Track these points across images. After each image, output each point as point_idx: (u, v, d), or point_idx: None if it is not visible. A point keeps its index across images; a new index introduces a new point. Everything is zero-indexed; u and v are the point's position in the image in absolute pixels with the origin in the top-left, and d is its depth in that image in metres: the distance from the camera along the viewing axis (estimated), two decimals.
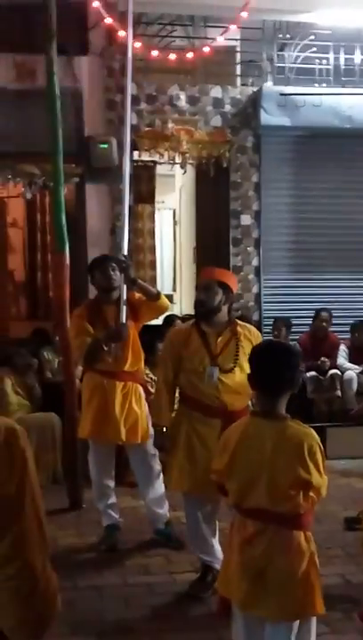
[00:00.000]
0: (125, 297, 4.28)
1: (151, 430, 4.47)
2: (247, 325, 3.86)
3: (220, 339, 3.69)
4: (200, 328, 3.72)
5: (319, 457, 2.51)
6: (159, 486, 4.45)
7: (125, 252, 4.44)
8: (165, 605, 3.67)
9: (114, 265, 4.33)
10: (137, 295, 4.40)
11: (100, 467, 4.47)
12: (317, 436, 2.55)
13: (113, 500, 4.52)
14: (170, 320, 6.96)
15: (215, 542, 3.79)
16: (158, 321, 7.21)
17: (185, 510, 3.89)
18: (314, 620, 2.57)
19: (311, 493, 2.50)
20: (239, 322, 3.84)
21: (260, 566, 2.48)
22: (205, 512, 3.78)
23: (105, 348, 4.18)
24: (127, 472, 5.07)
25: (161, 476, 4.43)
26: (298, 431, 2.52)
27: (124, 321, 4.25)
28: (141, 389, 4.47)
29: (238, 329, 3.72)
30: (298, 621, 2.52)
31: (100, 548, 4.37)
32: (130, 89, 4.76)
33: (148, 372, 5.89)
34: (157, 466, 4.46)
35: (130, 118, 4.85)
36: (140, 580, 3.96)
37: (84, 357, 4.31)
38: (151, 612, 3.62)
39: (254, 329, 3.88)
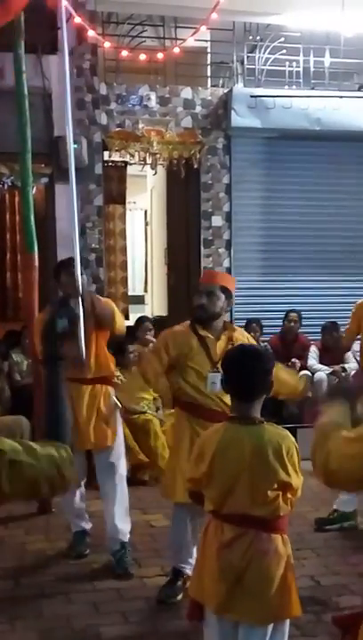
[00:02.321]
0: (82, 331, 4.03)
1: (122, 447, 4.39)
2: (238, 329, 3.83)
3: (218, 344, 3.62)
4: (198, 332, 3.63)
5: (296, 458, 2.53)
6: (125, 497, 4.27)
7: (80, 281, 4.13)
8: (134, 611, 3.63)
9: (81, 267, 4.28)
10: (103, 300, 4.33)
11: None
12: (292, 437, 2.56)
13: (82, 506, 4.46)
14: (141, 321, 6.94)
15: (194, 550, 3.72)
16: (129, 322, 7.20)
17: (174, 520, 3.73)
18: (287, 622, 2.57)
19: (289, 495, 2.51)
20: (231, 325, 3.81)
21: (238, 571, 2.47)
22: (195, 523, 3.62)
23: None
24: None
25: (125, 484, 4.32)
26: (276, 434, 2.53)
27: (83, 354, 4.06)
28: (110, 390, 4.37)
29: (234, 334, 3.68)
30: (272, 624, 2.51)
31: (69, 554, 4.31)
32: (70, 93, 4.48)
33: (118, 374, 5.85)
34: (124, 471, 4.36)
35: (70, 109, 4.56)
36: (109, 585, 3.91)
37: (43, 359, 4.18)
38: (121, 617, 3.57)
39: (245, 332, 3.86)
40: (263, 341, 6.95)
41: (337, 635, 2.11)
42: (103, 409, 4.26)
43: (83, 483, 4.43)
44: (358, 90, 7.87)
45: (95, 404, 4.24)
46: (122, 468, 4.32)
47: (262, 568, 2.47)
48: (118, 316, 4.25)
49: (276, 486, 2.46)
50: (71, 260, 4.29)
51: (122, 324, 4.30)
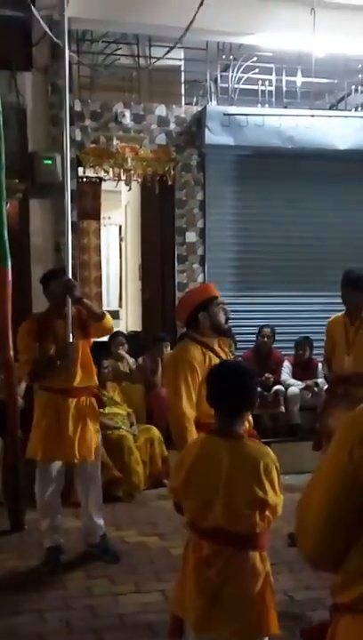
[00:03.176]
0: (70, 315, 4.25)
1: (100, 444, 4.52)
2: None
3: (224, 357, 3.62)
4: (213, 348, 3.52)
5: (275, 475, 2.51)
6: (100, 495, 4.52)
7: (70, 272, 4.41)
8: (108, 628, 3.61)
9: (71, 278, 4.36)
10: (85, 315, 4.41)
11: (48, 487, 4.36)
12: (273, 454, 2.56)
13: (58, 521, 4.44)
14: (115, 336, 6.94)
15: None
16: (104, 337, 7.18)
17: None
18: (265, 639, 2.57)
19: (267, 512, 2.50)
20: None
21: (215, 587, 2.46)
22: None
23: (57, 363, 4.20)
24: (72, 492, 5.00)
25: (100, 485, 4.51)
26: (254, 449, 2.53)
27: (71, 339, 4.23)
28: (95, 402, 4.45)
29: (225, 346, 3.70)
30: None
31: (41, 570, 4.27)
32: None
33: None
34: (100, 475, 4.57)
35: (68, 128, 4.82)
36: (82, 603, 3.89)
37: (29, 374, 4.28)
38: (94, 635, 3.55)
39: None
40: (237, 356, 6.98)
41: None
42: (89, 424, 4.34)
43: (59, 497, 4.45)
44: (330, 109, 8.01)
45: (81, 417, 4.32)
46: (99, 473, 4.54)
47: (239, 585, 2.46)
48: (107, 315, 4.41)
49: (251, 503, 2.44)
50: (62, 270, 4.41)
51: (111, 321, 4.42)
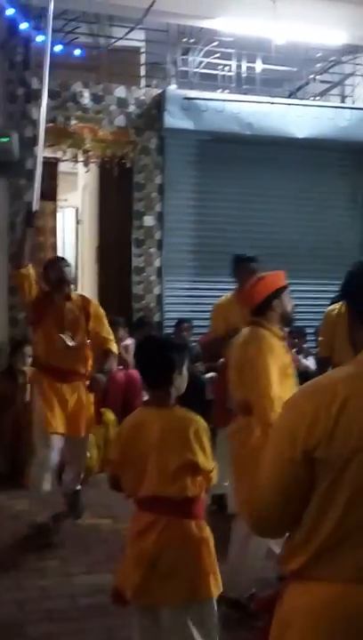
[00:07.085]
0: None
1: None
2: None
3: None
4: (281, 338, 3.52)
5: (206, 440, 2.63)
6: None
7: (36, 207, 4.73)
8: (59, 609, 3.61)
9: (65, 263, 4.73)
10: (93, 312, 4.71)
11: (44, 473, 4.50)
12: (204, 422, 2.68)
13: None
14: None
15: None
16: None
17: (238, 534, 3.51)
18: (211, 602, 2.64)
19: (200, 478, 2.60)
20: None
21: (152, 557, 2.56)
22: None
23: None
24: (22, 472, 5.01)
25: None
26: (184, 416, 2.66)
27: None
28: (84, 385, 4.65)
29: None
30: (194, 606, 2.59)
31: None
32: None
33: None
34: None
35: (45, 113, 5.18)
36: (34, 584, 3.87)
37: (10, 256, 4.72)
38: (46, 615, 3.54)
39: None
40: (193, 341, 7.00)
41: None
42: (84, 401, 4.59)
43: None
44: (289, 97, 8.06)
45: (74, 395, 4.56)
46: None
47: (175, 552, 2.56)
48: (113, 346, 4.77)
49: (183, 465, 2.55)
50: (57, 258, 4.90)
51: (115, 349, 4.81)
